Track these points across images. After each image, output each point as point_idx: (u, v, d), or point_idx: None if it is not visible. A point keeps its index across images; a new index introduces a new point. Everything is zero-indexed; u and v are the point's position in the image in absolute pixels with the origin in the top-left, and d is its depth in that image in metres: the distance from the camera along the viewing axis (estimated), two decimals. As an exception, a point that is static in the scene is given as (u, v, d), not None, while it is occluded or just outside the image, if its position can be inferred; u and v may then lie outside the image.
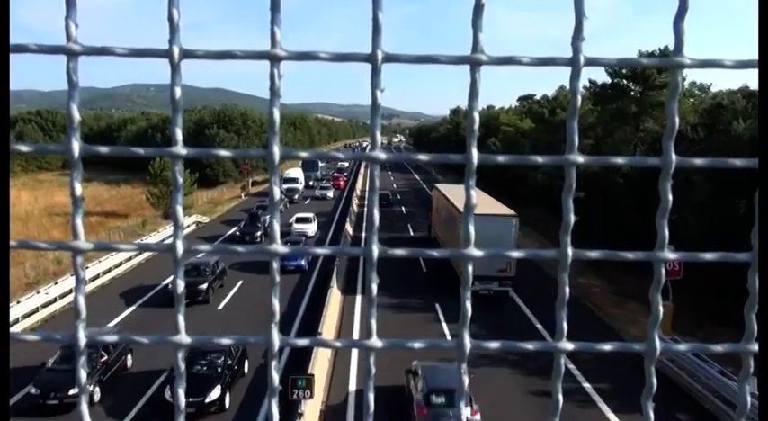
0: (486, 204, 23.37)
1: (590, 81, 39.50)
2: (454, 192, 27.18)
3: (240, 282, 25.97)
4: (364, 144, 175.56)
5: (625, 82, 37.27)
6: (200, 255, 26.02)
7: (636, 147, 37.30)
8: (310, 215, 37.15)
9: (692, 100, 38.04)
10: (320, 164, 65.85)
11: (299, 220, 36.21)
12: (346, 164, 76.82)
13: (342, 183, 62.03)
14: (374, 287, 0.80)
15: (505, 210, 22.81)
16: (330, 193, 53.49)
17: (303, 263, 27.08)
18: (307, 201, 50.68)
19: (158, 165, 42.69)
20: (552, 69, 0.84)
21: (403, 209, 48.50)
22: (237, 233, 34.77)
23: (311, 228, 35.76)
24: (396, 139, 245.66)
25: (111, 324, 20.37)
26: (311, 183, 61.62)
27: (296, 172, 55.51)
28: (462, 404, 0.76)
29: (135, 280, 25.86)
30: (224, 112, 69.40)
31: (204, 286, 22.43)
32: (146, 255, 28.06)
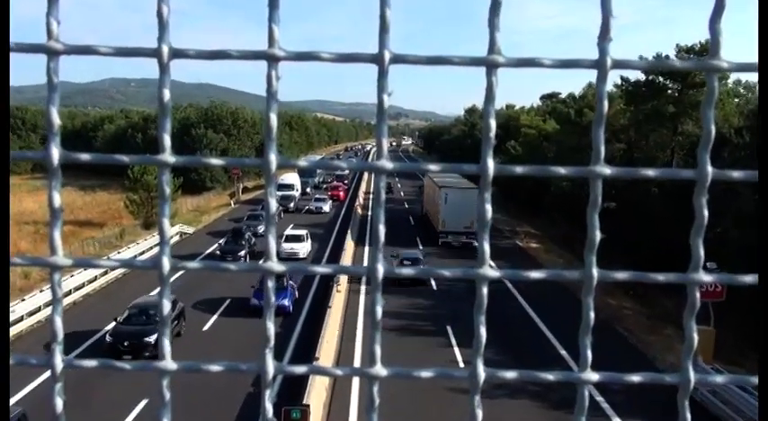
0: (459, 181, 38.19)
1: (622, 78, 39.49)
2: (438, 176, 39.35)
3: (213, 319, 24.26)
4: (368, 147, 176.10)
5: (661, 79, 37.20)
6: (154, 292, 24.32)
7: (673, 152, 37.22)
8: (303, 232, 35.12)
9: (736, 100, 37.96)
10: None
11: (288, 239, 33.93)
12: (346, 170, 76.66)
13: (342, 193, 59.94)
14: (379, 310, 0.81)
15: (468, 183, 36.88)
16: (326, 207, 51.43)
17: (287, 303, 23.67)
18: (303, 211, 50.79)
19: (138, 170, 42.93)
20: (583, 58, 0.86)
21: (411, 219, 48.49)
22: (218, 251, 33.48)
23: (303, 249, 33.70)
24: (405, 142, 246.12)
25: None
26: (308, 189, 61.74)
27: (292, 178, 55.72)
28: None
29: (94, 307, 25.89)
30: (212, 111, 69.80)
31: (152, 338, 19.05)
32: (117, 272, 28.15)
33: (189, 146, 61.19)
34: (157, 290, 0.80)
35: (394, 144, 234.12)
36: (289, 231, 35.27)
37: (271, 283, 0.90)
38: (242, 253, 32.30)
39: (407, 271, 0.83)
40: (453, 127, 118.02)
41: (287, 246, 33.47)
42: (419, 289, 28.05)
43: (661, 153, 36.71)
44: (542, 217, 48.21)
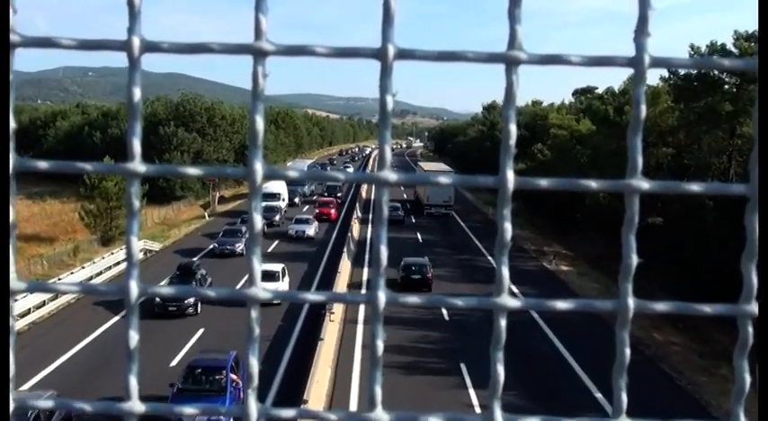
0: (440, 166, 66.08)
1: (669, 70, 39.61)
2: (429, 166, 68.11)
3: (201, 331, 26.04)
4: (367, 150, 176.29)
5: (716, 72, 37.31)
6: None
7: (731, 158, 37.20)
8: (278, 268, 31.01)
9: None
10: None
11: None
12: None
13: (333, 211, 55.02)
14: (380, 344, 0.83)
15: (445, 167, 67.84)
16: (311, 230, 46.25)
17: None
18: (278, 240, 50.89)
19: (95, 175, 43.11)
20: (617, 55, 0.88)
21: (419, 235, 48.54)
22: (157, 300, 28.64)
23: (279, 288, 32.15)
24: (416, 143, 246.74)
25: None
26: (296, 200, 61.75)
27: (278, 185, 55.77)
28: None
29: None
30: (183, 106, 70.10)
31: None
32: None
33: (156, 147, 61.45)
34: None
35: (404, 146, 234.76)
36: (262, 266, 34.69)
37: (254, 313, 0.92)
38: (191, 301, 27.51)
39: (414, 299, 0.85)
40: (469, 126, 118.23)
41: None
42: (427, 318, 28.04)
43: (716, 159, 36.73)
44: (575, 234, 48.20)
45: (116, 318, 26.83)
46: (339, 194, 65.99)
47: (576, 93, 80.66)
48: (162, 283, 31.13)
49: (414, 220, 57.37)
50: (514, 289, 31.53)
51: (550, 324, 27.74)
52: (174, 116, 68.28)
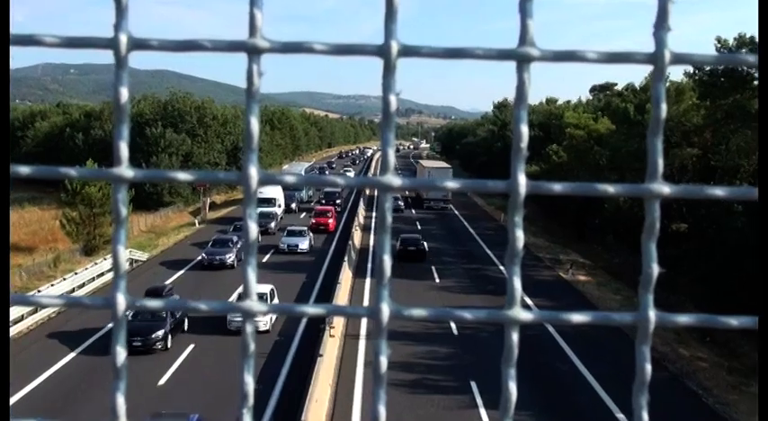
0: (435, 163, 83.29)
1: (695, 66, 39.58)
2: (428, 163, 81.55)
3: (191, 347, 26.04)
4: (369, 151, 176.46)
5: (745, 67, 37.31)
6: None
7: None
8: (266, 289, 28.92)
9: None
10: None
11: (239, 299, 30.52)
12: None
13: (331, 221, 53.46)
14: (384, 360, 0.84)
15: (444, 164, 79.65)
16: (305, 244, 44.24)
17: None
18: (271, 252, 50.86)
19: (78, 180, 43.23)
20: (635, 50, 0.89)
21: (425, 244, 48.59)
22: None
23: (263, 319, 26.59)
24: (423, 144, 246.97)
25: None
26: (293, 206, 61.84)
27: (273, 191, 55.88)
28: None
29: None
30: (172, 105, 70.35)
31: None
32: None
33: (142, 149, 61.62)
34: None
35: (410, 147, 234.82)
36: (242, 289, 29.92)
37: (249, 327, 0.93)
38: (159, 335, 25.53)
39: (420, 312, 0.85)
40: (479, 126, 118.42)
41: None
42: (435, 333, 28.02)
43: (745, 160, 36.64)
44: (593, 241, 48.16)
45: (72, 355, 25.15)
46: (338, 201, 65.11)
47: (594, 90, 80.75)
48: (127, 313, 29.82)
49: (414, 212, 58.00)
50: (528, 301, 31.51)
51: (567, 339, 27.71)
52: (162, 116, 68.46)
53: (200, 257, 39.92)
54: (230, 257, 38.99)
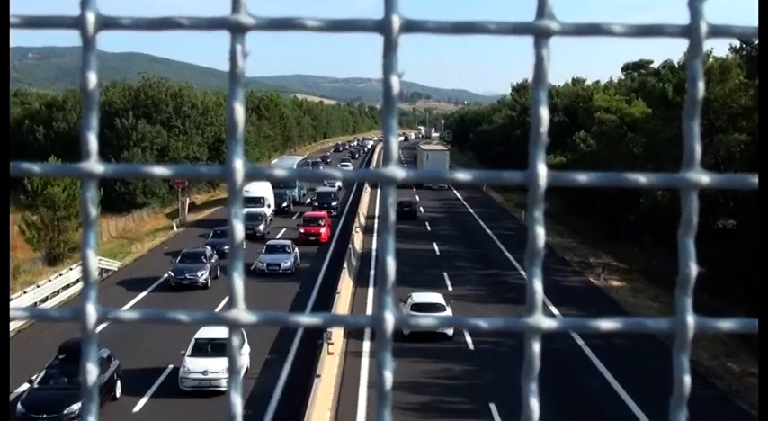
0: (438, 146, 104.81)
1: (741, 39, 39.53)
2: (427, 146, 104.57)
3: (170, 368, 26.02)
4: (369, 143, 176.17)
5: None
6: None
7: (818, 144, 37.20)
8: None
9: None
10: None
11: (200, 349, 24.45)
12: (337, 183, 73.67)
13: (323, 230, 50.62)
14: (388, 377, 0.85)
15: (442, 147, 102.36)
16: (288, 262, 40.61)
17: None
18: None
19: (39, 179, 43.23)
20: (667, 23, 0.89)
21: (435, 247, 48.58)
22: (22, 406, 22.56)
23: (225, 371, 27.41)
24: (433, 133, 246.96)
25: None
26: (285, 205, 61.77)
27: (261, 188, 55.77)
28: None
29: None
30: (145, 92, 70.47)
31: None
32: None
33: (112, 143, 61.71)
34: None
35: (420, 136, 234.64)
36: (202, 334, 24.62)
37: (236, 340, 0.94)
38: (75, 409, 20.73)
39: (428, 321, 0.86)
40: (495, 112, 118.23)
41: (194, 366, 23.89)
42: (448, 348, 28.02)
43: (800, 147, 36.58)
44: (628, 241, 48.11)
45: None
46: (334, 204, 63.07)
47: (627, 68, 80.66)
48: (35, 377, 22.61)
49: (422, 209, 58.09)
50: (553, 309, 31.50)
51: (598, 352, 27.68)
52: (134, 105, 68.58)
53: (165, 276, 37.61)
54: (202, 275, 36.60)
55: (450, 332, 28.34)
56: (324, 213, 55.25)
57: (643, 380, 24.50)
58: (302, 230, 50.10)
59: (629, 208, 46.17)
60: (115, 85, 75.63)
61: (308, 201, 64.59)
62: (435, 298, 31.19)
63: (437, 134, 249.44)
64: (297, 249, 43.38)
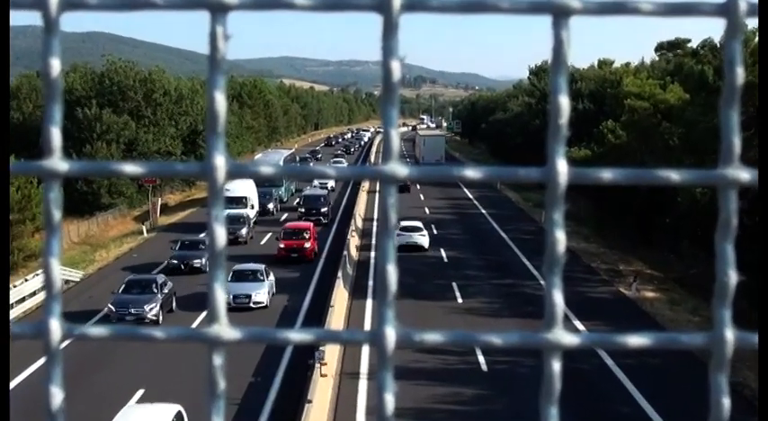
0: (434, 131, 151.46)
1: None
2: (424, 131, 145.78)
3: (141, 392, 26.02)
4: (366, 136, 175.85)
5: None
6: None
7: None
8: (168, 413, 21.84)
9: None
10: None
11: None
12: (330, 183, 71.57)
13: (308, 244, 47.03)
14: (390, 400, 0.86)
15: (438, 132, 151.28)
16: (262, 293, 36.83)
17: None
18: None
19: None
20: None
21: (442, 252, 48.56)
22: None
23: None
24: (432, 126, 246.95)
25: None
26: (270, 206, 61.69)
27: (243, 186, 55.70)
28: None
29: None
30: (110, 77, 70.45)
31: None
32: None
33: (73, 135, 61.73)
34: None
35: (425, 126, 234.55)
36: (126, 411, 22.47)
37: (218, 360, 0.95)
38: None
39: (435, 336, 0.87)
40: (511, 99, 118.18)
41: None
42: (458, 368, 28.01)
43: None
44: (663, 246, 48.09)
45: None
46: (324, 210, 60.56)
47: (662, 48, 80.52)
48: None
49: (422, 197, 57.37)
50: (578, 324, 31.50)
51: (631, 373, 27.65)
52: (98, 92, 68.54)
53: (106, 310, 34.50)
54: (152, 309, 34.06)
55: (426, 244, 49.35)
56: (309, 224, 51.21)
57: (682, 406, 24.48)
58: (282, 245, 46.41)
59: (665, 208, 46.11)
60: (76, 69, 75.47)
61: (298, 201, 62.94)
62: (416, 222, 51.34)
63: (445, 124, 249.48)
64: (272, 276, 39.15)
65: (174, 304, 36.33)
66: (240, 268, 38.03)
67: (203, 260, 42.13)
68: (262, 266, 39.20)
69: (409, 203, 64.81)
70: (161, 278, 36.81)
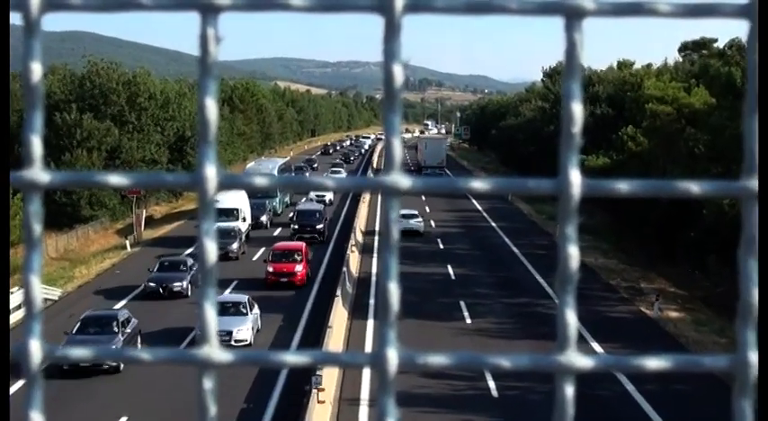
0: (435, 135, 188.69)
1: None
2: (426, 135, 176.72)
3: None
4: (367, 142, 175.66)
5: None
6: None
7: None
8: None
9: None
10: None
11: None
12: (328, 196, 71.28)
13: (299, 269, 44.96)
14: (392, 425, 0.86)
15: (440, 135, 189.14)
16: (243, 331, 34.31)
17: None
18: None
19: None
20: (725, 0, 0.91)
21: (450, 269, 48.51)
22: None
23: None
24: (435, 132, 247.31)
25: None
26: (263, 219, 61.53)
27: (234, 198, 55.52)
28: None
29: None
30: (91, 80, 70.45)
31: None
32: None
33: (51, 142, 61.69)
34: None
35: (435, 132, 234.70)
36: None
37: (208, 383, 0.96)
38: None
39: (440, 359, 0.88)
40: (523, 103, 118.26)
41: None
42: (466, 395, 27.97)
43: None
44: (688, 263, 48.01)
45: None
46: (320, 227, 58.30)
47: (686, 48, 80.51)
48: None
49: (441, 244, 57.13)
50: (596, 347, 31.45)
51: (653, 400, 27.59)
52: (78, 95, 68.48)
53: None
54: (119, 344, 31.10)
55: (421, 229, 59.03)
56: (301, 245, 48.48)
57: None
58: (270, 269, 44.32)
59: (690, 221, 46.04)
60: (55, 71, 75.48)
61: (292, 215, 60.73)
62: (412, 210, 57.73)
63: (453, 130, 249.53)
64: (257, 309, 36.79)
65: (139, 343, 33.62)
66: (219, 300, 31.21)
67: (184, 283, 41.15)
68: (245, 298, 36.79)
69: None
70: (123, 314, 34.10)
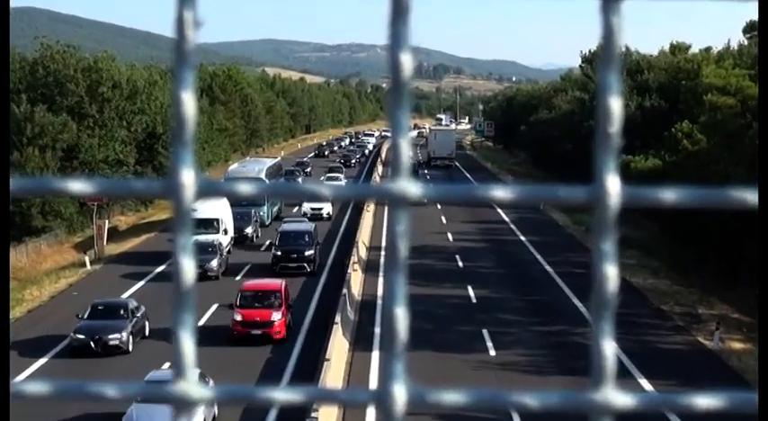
0: (445, 126, 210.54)
1: None
2: (435, 127, 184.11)
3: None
4: (371, 141, 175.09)
5: None
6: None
7: None
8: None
9: None
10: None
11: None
12: (325, 208, 71.44)
13: (278, 317, 38.75)
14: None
15: (450, 127, 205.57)
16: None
17: None
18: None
19: None
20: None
21: (470, 291, 48.40)
22: None
23: None
24: (449, 124, 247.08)
25: None
26: (248, 231, 61.22)
27: (214, 206, 55.13)
28: None
29: None
30: (45, 65, 70.34)
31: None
32: None
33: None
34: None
35: (462, 124, 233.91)
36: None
37: (185, 425, 0.98)
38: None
39: (454, 397, 0.89)
40: (558, 93, 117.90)
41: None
42: None
43: None
44: (754, 285, 47.82)
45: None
46: (309, 253, 53.26)
47: (752, 29, 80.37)
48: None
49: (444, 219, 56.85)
50: (644, 384, 31.36)
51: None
52: (29, 84, 68.32)
53: None
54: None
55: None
56: (279, 284, 42.87)
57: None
58: (238, 317, 38.76)
59: (754, 236, 45.92)
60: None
61: (269, 243, 58.07)
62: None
63: (474, 126, 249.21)
64: (211, 381, 27.39)
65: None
66: (151, 377, 28.34)
67: (124, 334, 36.91)
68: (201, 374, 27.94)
69: (427, 227, 64.29)
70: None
